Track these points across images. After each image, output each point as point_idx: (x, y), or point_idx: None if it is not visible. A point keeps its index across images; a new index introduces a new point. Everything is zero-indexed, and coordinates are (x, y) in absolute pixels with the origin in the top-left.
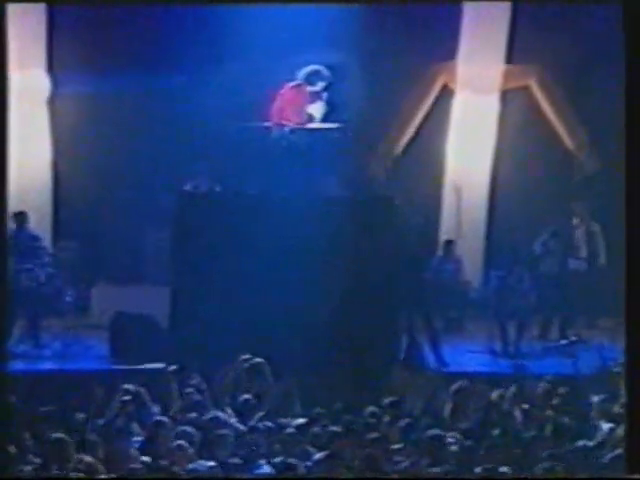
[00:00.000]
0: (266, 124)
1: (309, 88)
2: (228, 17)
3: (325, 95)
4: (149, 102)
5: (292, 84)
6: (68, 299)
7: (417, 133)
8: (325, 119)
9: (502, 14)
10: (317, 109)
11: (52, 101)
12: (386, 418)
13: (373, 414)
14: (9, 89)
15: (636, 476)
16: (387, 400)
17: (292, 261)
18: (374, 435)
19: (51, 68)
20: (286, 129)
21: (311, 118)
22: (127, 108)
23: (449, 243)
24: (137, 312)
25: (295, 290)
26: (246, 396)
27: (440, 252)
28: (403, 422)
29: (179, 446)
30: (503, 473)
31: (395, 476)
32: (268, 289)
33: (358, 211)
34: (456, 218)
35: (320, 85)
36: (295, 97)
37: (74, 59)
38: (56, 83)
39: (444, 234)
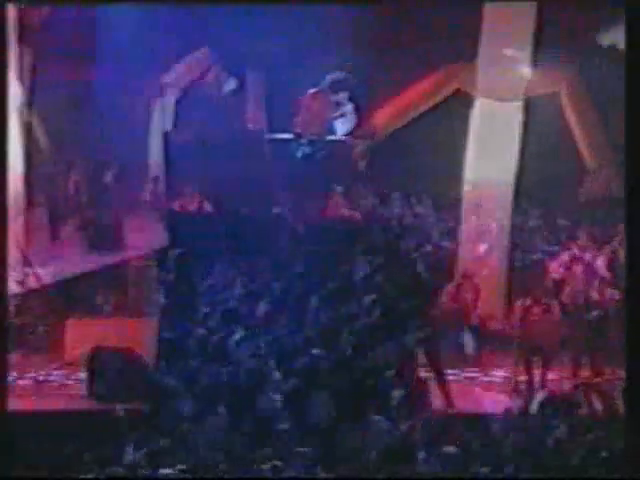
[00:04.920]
0: (274, 136)
1: (332, 97)
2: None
3: (349, 107)
4: (136, 110)
5: (313, 91)
6: (39, 333)
7: (432, 144)
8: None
9: (528, 10)
10: (341, 124)
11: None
12: None
13: None
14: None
15: (636, 476)
16: None
17: (284, 289)
18: None
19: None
20: (304, 140)
21: (333, 132)
22: (111, 117)
23: (466, 271)
24: (118, 347)
25: (288, 321)
26: None
27: (455, 279)
28: None
29: None
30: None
31: (396, 476)
32: (264, 318)
33: (362, 233)
34: (475, 240)
35: (343, 95)
36: (317, 107)
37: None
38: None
39: (461, 259)
